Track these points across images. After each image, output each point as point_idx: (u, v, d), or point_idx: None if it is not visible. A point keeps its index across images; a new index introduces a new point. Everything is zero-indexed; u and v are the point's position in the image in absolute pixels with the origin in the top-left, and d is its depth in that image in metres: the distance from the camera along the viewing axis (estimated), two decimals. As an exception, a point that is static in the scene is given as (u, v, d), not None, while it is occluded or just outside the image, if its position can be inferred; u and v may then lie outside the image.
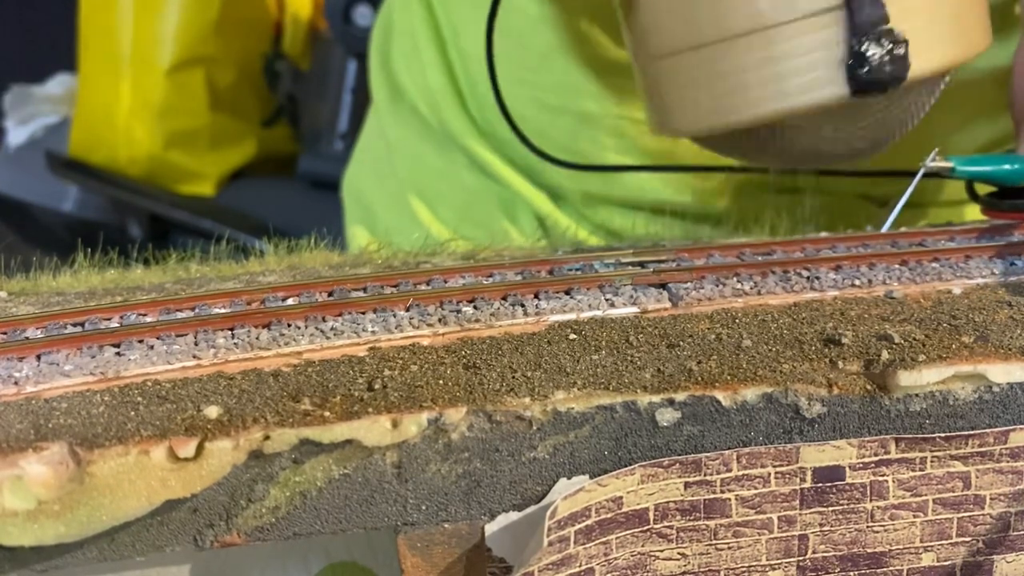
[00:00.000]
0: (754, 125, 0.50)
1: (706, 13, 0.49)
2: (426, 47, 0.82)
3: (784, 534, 0.41)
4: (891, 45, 0.46)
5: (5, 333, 0.42)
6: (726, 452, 0.40)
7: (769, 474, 0.40)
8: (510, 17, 0.70)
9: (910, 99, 0.52)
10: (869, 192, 0.75)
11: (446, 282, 0.46)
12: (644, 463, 0.39)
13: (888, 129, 0.54)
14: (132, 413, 0.37)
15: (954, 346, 0.41)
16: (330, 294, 0.45)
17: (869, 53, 0.46)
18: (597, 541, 0.39)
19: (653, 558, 0.40)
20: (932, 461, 0.41)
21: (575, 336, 0.42)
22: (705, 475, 0.40)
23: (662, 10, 0.51)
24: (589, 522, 0.39)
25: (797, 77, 0.48)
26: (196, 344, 0.41)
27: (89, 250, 0.55)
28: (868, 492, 0.41)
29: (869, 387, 0.40)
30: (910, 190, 0.51)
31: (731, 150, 0.58)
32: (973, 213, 0.57)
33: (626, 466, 0.39)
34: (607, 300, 0.45)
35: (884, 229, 0.52)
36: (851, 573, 0.42)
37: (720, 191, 0.73)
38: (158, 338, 0.41)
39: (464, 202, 0.83)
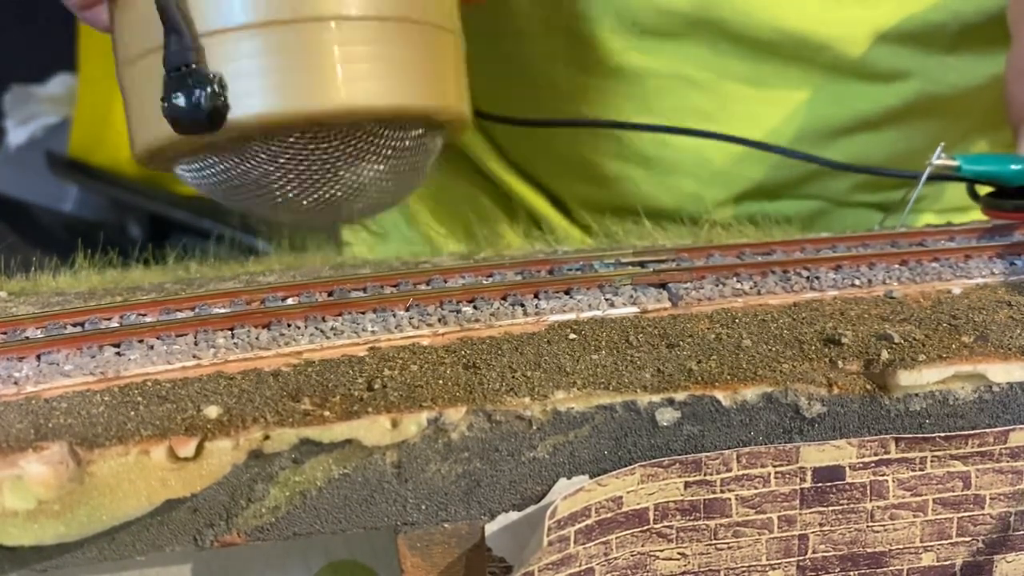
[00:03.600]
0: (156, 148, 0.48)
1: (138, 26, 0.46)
2: None
3: (784, 534, 0.41)
4: (201, 86, 0.43)
5: (5, 333, 0.42)
6: (726, 452, 0.40)
7: (769, 474, 0.40)
8: (515, 20, 0.71)
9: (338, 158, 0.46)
10: (871, 199, 0.75)
11: (446, 282, 0.46)
12: (644, 463, 0.39)
13: (352, 189, 0.47)
14: (132, 413, 0.37)
15: (954, 346, 0.41)
16: (330, 294, 0.45)
17: (177, 92, 0.43)
18: (597, 541, 0.39)
19: (653, 558, 0.40)
20: (932, 461, 0.41)
21: (575, 336, 0.42)
22: (705, 475, 0.40)
23: (127, 18, 0.47)
24: (589, 522, 0.39)
25: (152, 109, 0.45)
26: (196, 344, 0.41)
27: (89, 250, 0.55)
28: (868, 492, 0.41)
29: (869, 387, 0.40)
30: (920, 185, 0.52)
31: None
32: (972, 218, 0.57)
33: (626, 466, 0.39)
34: (607, 300, 0.45)
35: (901, 221, 0.52)
36: (851, 573, 0.42)
37: (718, 198, 0.73)
38: (158, 338, 0.41)
39: (462, 204, 0.83)
